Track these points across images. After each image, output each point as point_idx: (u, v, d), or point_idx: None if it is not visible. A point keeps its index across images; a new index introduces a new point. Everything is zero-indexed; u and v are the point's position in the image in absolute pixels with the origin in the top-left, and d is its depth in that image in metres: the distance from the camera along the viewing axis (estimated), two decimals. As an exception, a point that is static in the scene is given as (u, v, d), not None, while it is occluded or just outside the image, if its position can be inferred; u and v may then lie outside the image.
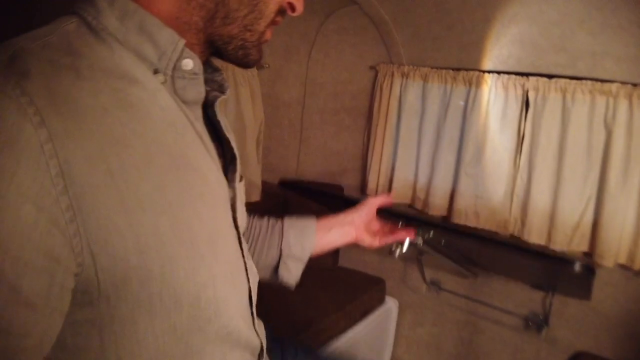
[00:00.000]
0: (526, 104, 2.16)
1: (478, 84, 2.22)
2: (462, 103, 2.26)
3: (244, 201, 0.75)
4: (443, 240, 1.99)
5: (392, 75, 2.43)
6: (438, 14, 2.17)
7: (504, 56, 2.17)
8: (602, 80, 1.97)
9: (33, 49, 0.44)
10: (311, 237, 1.06)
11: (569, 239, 2.13)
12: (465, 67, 2.26)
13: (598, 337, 2.18)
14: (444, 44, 2.27)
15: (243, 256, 0.66)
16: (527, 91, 2.13)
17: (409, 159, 2.50)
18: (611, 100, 1.97)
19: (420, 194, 2.49)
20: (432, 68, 2.30)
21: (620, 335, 2.13)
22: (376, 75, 2.56)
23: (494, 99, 2.20)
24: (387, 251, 2.70)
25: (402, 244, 1.35)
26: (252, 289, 0.69)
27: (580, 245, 2.12)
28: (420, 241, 1.67)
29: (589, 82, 2.00)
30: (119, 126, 0.45)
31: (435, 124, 2.40)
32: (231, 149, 0.67)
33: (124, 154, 0.45)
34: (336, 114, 2.75)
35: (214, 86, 0.65)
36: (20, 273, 0.40)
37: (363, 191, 2.70)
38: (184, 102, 0.55)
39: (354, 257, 2.86)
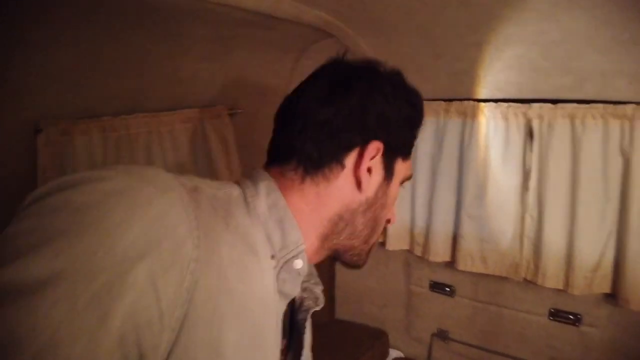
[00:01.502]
0: (530, 134, 1.93)
1: (474, 115, 2.00)
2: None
3: None
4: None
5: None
6: (423, 42, 1.94)
7: (501, 83, 1.95)
8: (615, 102, 1.75)
9: (207, 193, 0.56)
10: None
11: (589, 282, 1.90)
12: (458, 97, 2.04)
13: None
14: (433, 74, 2.05)
15: None
16: (531, 120, 1.91)
17: (404, 201, 2.26)
18: (626, 123, 1.75)
19: (419, 239, 2.25)
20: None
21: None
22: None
23: (494, 130, 1.97)
24: (386, 300, 2.50)
25: None
26: None
27: (602, 286, 1.90)
28: None
29: (600, 105, 1.78)
30: (233, 280, 0.53)
31: (430, 161, 2.17)
32: (300, 351, 0.73)
33: (229, 303, 0.52)
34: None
35: (311, 297, 0.73)
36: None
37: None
38: (280, 292, 0.62)
39: (351, 308, 2.62)
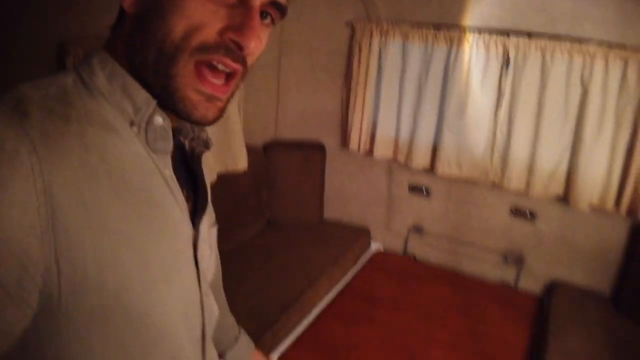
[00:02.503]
0: (507, 62, 2.21)
1: (459, 43, 2.24)
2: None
3: (213, 246, 0.82)
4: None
5: (371, 34, 2.39)
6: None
7: (485, 15, 2.18)
8: (581, 41, 2.03)
9: (35, 98, 0.54)
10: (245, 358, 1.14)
11: (545, 185, 2.28)
12: (446, 22, 2.25)
13: (570, 267, 2.41)
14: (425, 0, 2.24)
15: (200, 292, 0.71)
16: (508, 50, 2.18)
17: (391, 116, 2.54)
18: (588, 59, 2.05)
19: (403, 149, 2.57)
20: (412, 26, 2.28)
21: (590, 265, 2.36)
22: (353, 32, 2.51)
23: (476, 57, 2.24)
24: (369, 201, 2.84)
25: None
26: (205, 324, 0.73)
27: (555, 189, 2.30)
28: None
29: (568, 42, 2.06)
30: (94, 164, 0.53)
31: (417, 82, 2.43)
32: (205, 196, 0.75)
33: (96, 186, 0.53)
34: (312, 73, 2.70)
35: (200, 142, 0.73)
36: (1, 255, 0.49)
37: (345, 146, 2.73)
38: (155, 151, 0.61)
39: (338, 209, 2.96)
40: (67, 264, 0.51)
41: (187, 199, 0.69)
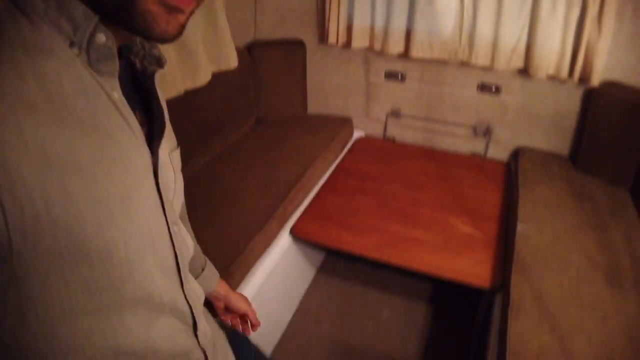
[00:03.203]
0: None
1: None
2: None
3: (177, 171, 0.78)
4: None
5: None
6: None
7: None
8: None
9: None
10: (212, 287, 1.21)
11: (508, 59, 2.55)
12: None
13: (533, 134, 2.74)
14: None
15: (167, 222, 0.68)
16: None
17: (366, 5, 2.71)
18: None
19: (379, 37, 2.77)
20: None
21: (549, 131, 2.69)
22: None
23: None
24: (349, 92, 3.05)
25: None
26: (178, 254, 0.71)
27: (517, 63, 2.56)
28: None
29: None
30: (32, 92, 0.49)
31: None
32: (162, 118, 0.71)
33: (35, 116, 0.48)
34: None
35: (153, 60, 0.69)
36: None
37: (323, 41, 2.90)
38: (99, 73, 0.57)
39: (320, 102, 3.17)
40: (12, 205, 0.47)
41: (142, 124, 0.66)
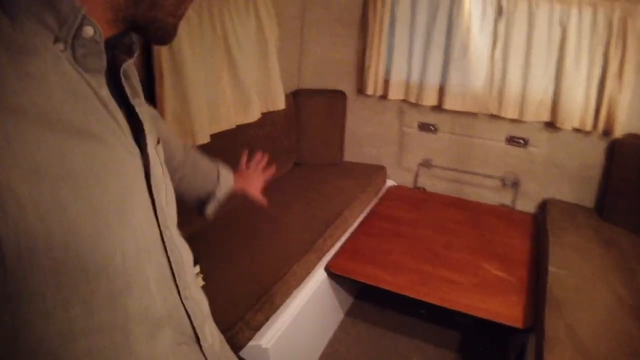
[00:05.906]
0: (500, 10, 2.65)
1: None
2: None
3: (163, 164, 0.72)
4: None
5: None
6: None
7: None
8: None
9: None
10: (229, 187, 1.26)
11: (535, 111, 2.73)
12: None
13: (559, 186, 2.83)
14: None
15: (159, 227, 0.64)
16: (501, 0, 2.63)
17: (402, 61, 2.94)
18: (565, 6, 2.51)
19: (414, 89, 2.97)
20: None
21: (575, 182, 2.78)
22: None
23: (474, 6, 2.67)
24: (383, 141, 3.21)
25: None
26: (172, 260, 0.66)
27: (544, 115, 2.72)
28: None
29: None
30: (15, 95, 0.45)
31: (425, 28, 2.84)
32: (136, 115, 0.64)
33: (21, 121, 0.45)
34: (331, 25, 3.05)
35: (123, 49, 0.63)
36: None
37: (362, 92, 3.10)
38: (86, 70, 0.53)
39: (355, 151, 3.35)
40: (4, 221, 0.43)
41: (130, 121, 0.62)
